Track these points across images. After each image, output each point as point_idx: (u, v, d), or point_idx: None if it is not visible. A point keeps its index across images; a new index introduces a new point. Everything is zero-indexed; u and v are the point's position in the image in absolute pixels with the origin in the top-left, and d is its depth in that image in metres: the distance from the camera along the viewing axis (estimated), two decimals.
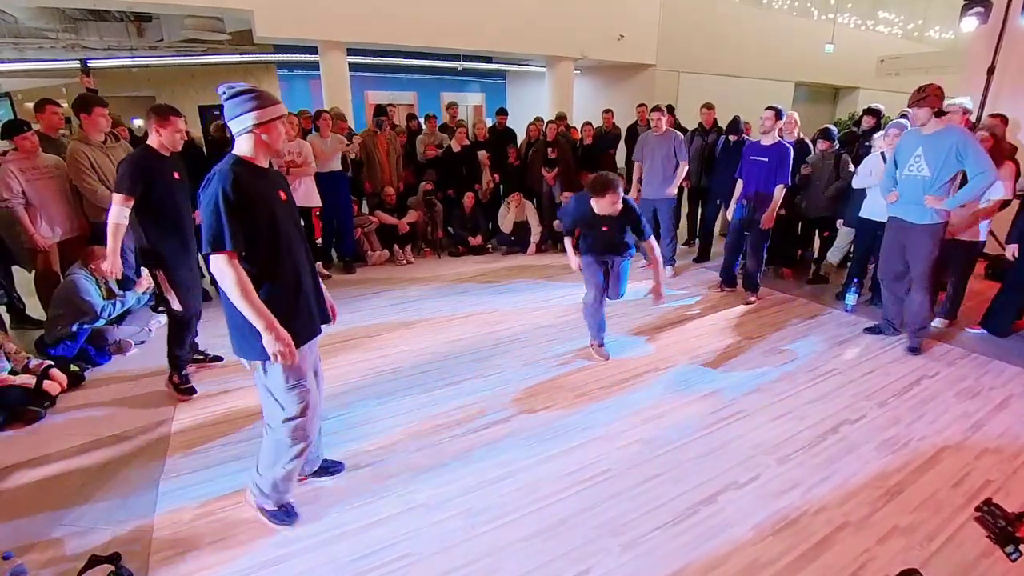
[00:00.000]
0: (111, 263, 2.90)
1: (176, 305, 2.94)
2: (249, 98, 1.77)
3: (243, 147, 1.82)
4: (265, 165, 1.89)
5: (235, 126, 1.80)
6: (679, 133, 5.23)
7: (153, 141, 2.85)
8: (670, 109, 6.44)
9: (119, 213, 2.77)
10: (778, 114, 4.26)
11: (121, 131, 5.07)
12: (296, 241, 1.93)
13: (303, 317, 1.96)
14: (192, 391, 3.10)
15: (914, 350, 3.66)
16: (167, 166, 2.87)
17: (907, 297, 3.67)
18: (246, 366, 1.96)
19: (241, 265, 1.75)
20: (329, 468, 2.40)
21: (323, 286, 2.11)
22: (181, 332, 3.06)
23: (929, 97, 3.21)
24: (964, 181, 3.27)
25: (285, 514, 2.11)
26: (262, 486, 2.06)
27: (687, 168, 5.16)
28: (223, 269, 1.72)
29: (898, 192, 3.51)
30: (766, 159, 4.29)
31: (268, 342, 1.78)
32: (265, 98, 1.80)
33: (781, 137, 5.19)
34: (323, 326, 2.07)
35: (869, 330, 3.99)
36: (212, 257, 1.72)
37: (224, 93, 1.80)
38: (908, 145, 3.46)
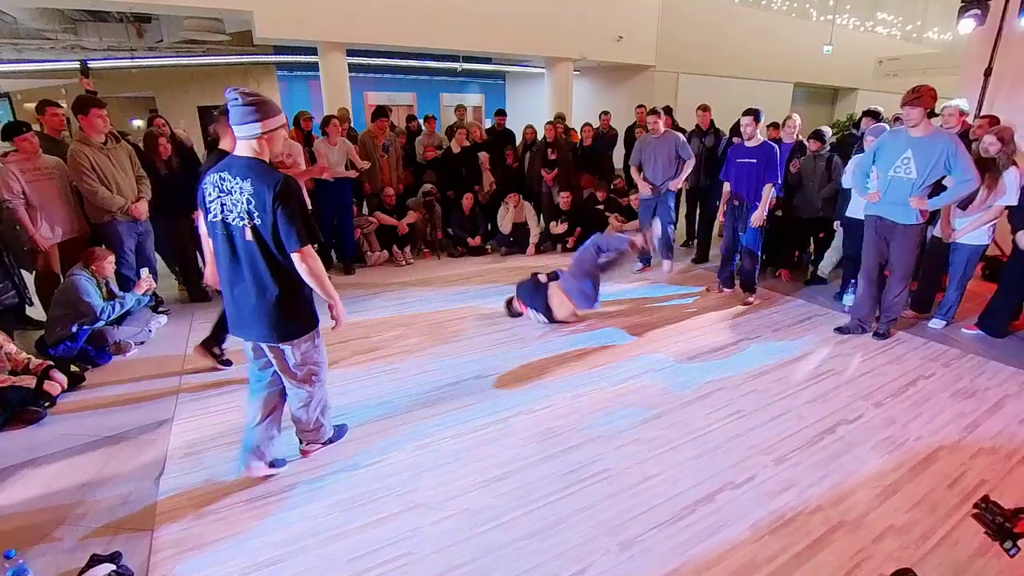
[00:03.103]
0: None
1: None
2: (259, 107, 1.93)
3: (252, 149, 1.97)
4: None
5: (243, 131, 1.94)
6: (679, 133, 5.23)
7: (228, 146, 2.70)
8: (668, 110, 6.45)
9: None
10: (756, 117, 4.27)
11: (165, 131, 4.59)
12: None
13: None
14: (229, 363, 3.41)
15: (882, 335, 3.88)
16: None
17: (887, 290, 3.78)
18: (286, 352, 2.17)
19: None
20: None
21: None
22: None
23: (923, 97, 3.19)
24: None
25: (339, 432, 2.66)
26: (318, 426, 2.47)
27: (692, 164, 5.16)
28: (315, 256, 1.99)
29: (880, 192, 3.53)
30: (754, 160, 4.31)
31: (342, 310, 2.17)
32: (273, 108, 1.98)
33: (779, 139, 5.23)
34: None
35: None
36: (307, 250, 1.95)
37: (237, 99, 1.92)
38: (895, 146, 3.43)
